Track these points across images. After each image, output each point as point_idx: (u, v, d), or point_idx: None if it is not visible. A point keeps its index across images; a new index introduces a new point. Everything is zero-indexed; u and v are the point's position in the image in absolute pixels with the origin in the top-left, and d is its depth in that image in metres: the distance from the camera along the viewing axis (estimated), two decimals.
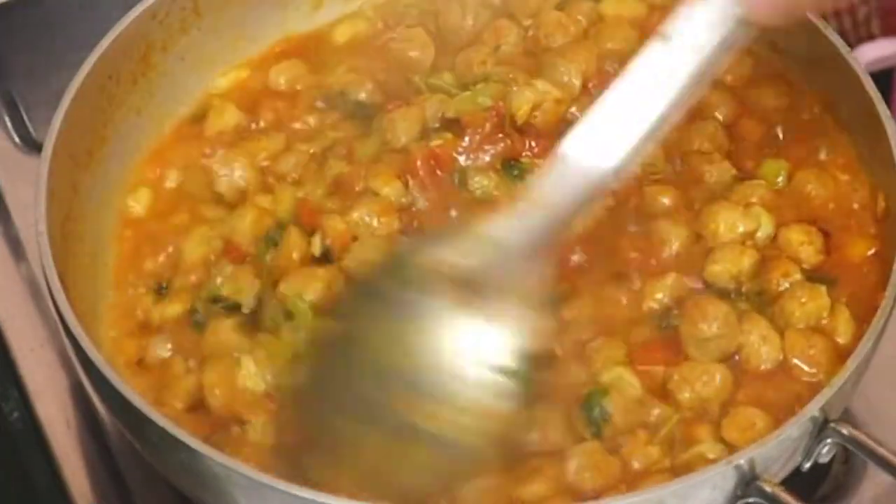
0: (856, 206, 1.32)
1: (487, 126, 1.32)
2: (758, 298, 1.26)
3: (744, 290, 1.27)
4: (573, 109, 1.34)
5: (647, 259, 1.28)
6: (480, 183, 1.32)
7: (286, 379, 1.18)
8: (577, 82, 1.36)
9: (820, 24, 1.37)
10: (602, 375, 1.21)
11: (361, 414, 1.11)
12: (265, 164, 1.37)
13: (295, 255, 1.27)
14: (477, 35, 1.43)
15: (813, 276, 1.27)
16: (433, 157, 1.32)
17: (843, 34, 1.42)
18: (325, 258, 1.28)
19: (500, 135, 1.33)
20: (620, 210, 1.29)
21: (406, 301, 1.11)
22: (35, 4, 1.62)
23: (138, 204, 1.37)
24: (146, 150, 1.41)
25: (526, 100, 1.34)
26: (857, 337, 1.21)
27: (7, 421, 1.38)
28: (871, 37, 1.53)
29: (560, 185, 1.12)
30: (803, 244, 1.29)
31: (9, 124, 1.58)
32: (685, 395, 1.20)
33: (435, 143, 1.33)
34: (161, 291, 1.31)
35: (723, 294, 1.26)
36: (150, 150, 1.41)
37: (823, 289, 1.25)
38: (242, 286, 1.27)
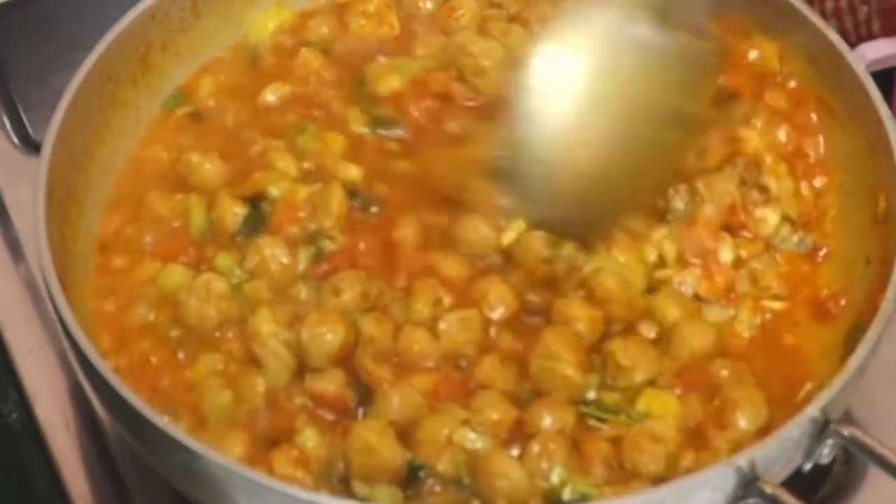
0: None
1: None
2: None
3: None
4: None
5: None
6: None
7: None
8: None
9: (820, 24, 1.37)
10: None
11: None
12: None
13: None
14: None
15: None
16: None
17: (843, 34, 1.41)
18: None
19: None
20: None
21: None
22: (35, 4, 1.63)
23: None
24: None
25: None
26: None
27: (6, 422, 1.38)
28: (871, 37, 1.52)
29: None
30: None
31: (8, 125, 1.58)
32: None
33: None
34: None
35: None
36: None
37: None
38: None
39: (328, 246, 1.29)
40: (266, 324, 1.23)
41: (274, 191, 1.32)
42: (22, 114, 1.59)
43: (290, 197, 1.32)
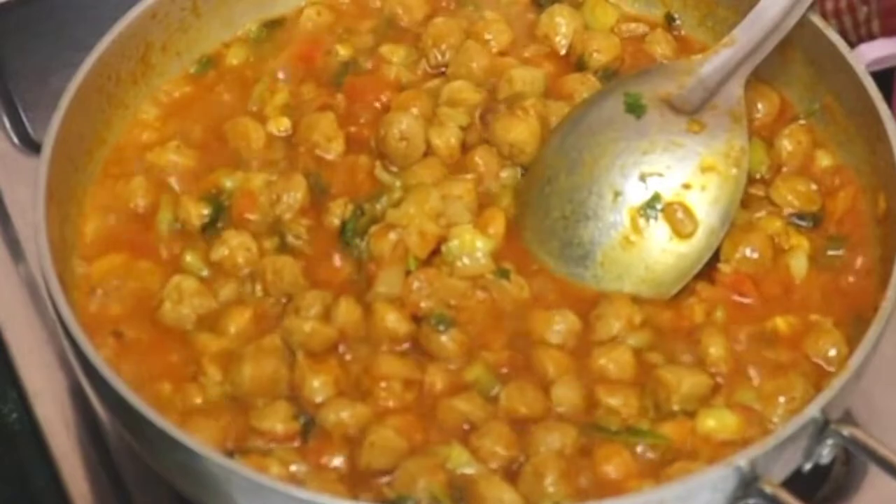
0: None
1: None
2: None
3: None
4: None
5: None
6: None
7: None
8: None
9: (820, 24, 1.37)
10: None
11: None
12: None
13: None
14: None
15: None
16: None
17: (843, 34, 1.42)
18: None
19: None
20: None
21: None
22: (35, 4, 1.63)
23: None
24: None
25: None
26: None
27: (6, 422, 1.38)
28: (871, 37, 1.52)
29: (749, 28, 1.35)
30: None
31: (7, 125, 1.58)
32: None
33: None
34: None
35: None
36: None
37: None
38: None
39: (296, 234, 1.30)
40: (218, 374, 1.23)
41: (228, 183, 1.33)
42: (22, 114, 1.59)
43: (245, 187, 1.32)
